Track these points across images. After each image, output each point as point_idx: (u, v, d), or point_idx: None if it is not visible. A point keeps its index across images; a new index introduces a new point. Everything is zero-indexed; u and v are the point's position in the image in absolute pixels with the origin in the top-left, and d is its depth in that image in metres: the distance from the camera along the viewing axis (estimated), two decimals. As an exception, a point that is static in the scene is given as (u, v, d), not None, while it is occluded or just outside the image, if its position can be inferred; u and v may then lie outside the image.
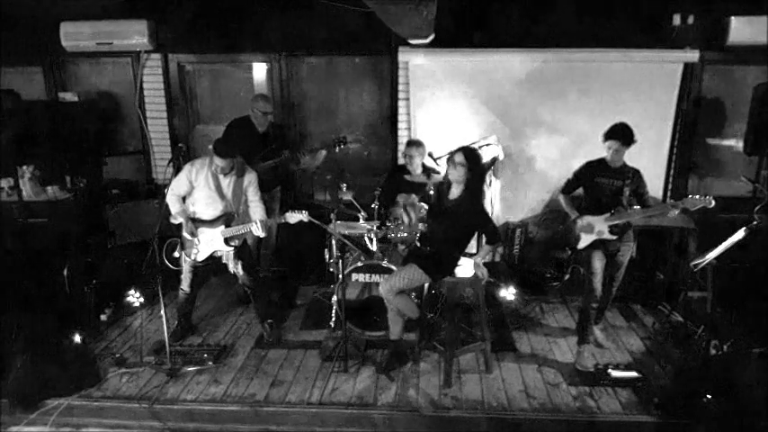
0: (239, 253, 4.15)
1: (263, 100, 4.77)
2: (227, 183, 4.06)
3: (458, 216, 3.59)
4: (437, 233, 3.68)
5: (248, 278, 4.24)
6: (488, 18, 5.17)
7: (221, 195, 4.06)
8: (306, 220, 3.84)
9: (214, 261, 4.19)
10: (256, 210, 4.14)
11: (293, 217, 3.83)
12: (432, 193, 3.98)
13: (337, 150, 4.87)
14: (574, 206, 4.04)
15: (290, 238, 5.45)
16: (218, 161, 3.93)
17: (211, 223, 4.05)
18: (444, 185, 3.72)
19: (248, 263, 4.25)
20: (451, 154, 3.63)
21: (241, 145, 4.70)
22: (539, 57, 5.18)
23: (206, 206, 4.06)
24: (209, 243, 4.07)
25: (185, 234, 4.09)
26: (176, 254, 4.20)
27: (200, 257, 4.11)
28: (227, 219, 4.06)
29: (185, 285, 4.25)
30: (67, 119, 5.10)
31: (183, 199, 4.14)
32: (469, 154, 3.55)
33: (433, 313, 4.28)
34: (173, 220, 4.15)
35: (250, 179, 4.14)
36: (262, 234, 3.98)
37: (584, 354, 3.94)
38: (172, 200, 4.08)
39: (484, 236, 3.83)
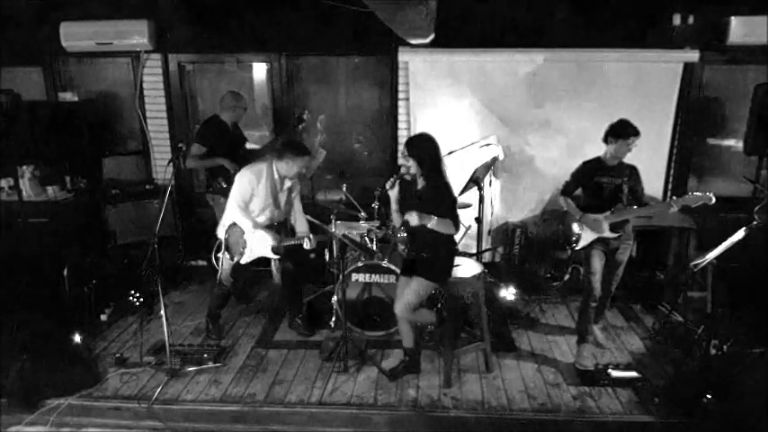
0: (289, 255, 4.17)
1: (239, 96, 4.80)
2: (282, 192, 4.05)
3: (424, 202, 3.40)
4: (416, 231, 3.51)
5: (287, 277, 4.23)
6: (488, 18, 5.17)
7: (277, 204, 4.04)
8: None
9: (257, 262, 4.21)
10: (303, 222, 4.17)
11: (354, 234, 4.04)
12: (388, 186, 3.54)
13: (299, 128, 4.90)
14: (576, 206, 4.05)
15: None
16: (300, 164, 3.91)
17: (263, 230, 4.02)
18: (410, 180, 3.54)
19: (294, 264, 4.26)
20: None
21: (219, 144, 4.68)
22: (539, 57, 5.17)
23: (260, 213, 4.03)
24: (256, 249, 4.03)
25: (238, 236, 4.04)
26: (219, 254, 4.16)
27: (244, 260, 4.08)
28: (278, 227, 4.05)
29: (225, 282, 4.23)
30: (67, 119, 5.10)
31: None
32: (408, 143, 3.42)
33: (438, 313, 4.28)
34: (246, 234, 3.98)
35: (297, 189, 4.15)
36: (311, 247, 3.99)
37: (584, 353, 3.95)
38: (241, 215, 3.93)
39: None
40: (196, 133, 4.83)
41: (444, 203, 3.42)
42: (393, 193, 3.54)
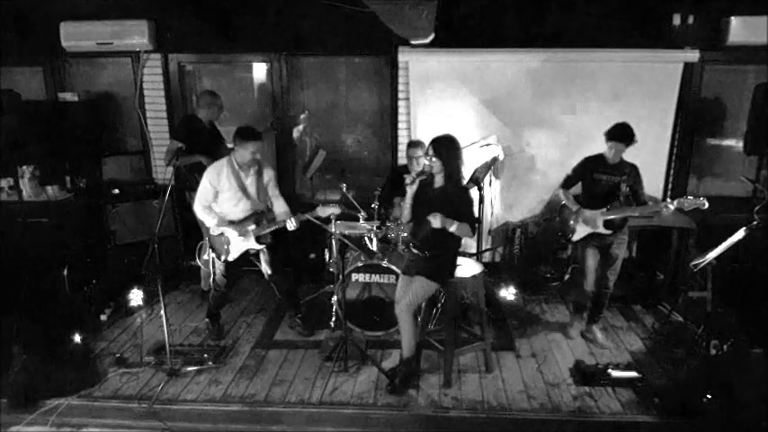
0: (272, 249, 4.14)
1: (215, 94, 4.86)
2: (249, 181, 4.03)
3: (442, 203, 3.43)
4: (423, 231, 3.53)
5: (277, 275, 4.22)
6: (488, 18, 5.17)
7: (246, 194, 4.03)
8: (337, 212, 3.83)
9: (247, 259, 4.19)
10: (280, 205, 4.15)
11: (325, 211, 3.80)
12: (409, 182, 3.57)
13: (276, 133, 4.96)
14: (574, 200, 4.08)
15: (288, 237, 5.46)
16: (249, 149, 3.85)
17: (241, 223, 4.01)
18: (428, 178, 3.56)
19: (279, 259, 4.23)
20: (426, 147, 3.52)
21: (194, 141, 4.68)
22: (539, 57, 5.17)
23: (233, 207, 4.02)
24: (240, 243, 4.03)
25: (215, 234, 4.04)
26: (205, 256, 4.12)
27: (231, 257, 4.08)
28: (256, 217, 4.04)
29: (219, 282, 4.21)
30: (67, 119, 5.11)
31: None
32: (435, 143, 3.44)
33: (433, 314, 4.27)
34: (213, 232, 4.05)
35: (270, 175, 4.14)
36: (294, 227, 3.94)
37: (575, 323, 4.04)
38: (204, 213, 4.00)
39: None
40: (173, 130, 4.86)
41: (465, 206, 3.46)
42: (411, 190, 3.56)
